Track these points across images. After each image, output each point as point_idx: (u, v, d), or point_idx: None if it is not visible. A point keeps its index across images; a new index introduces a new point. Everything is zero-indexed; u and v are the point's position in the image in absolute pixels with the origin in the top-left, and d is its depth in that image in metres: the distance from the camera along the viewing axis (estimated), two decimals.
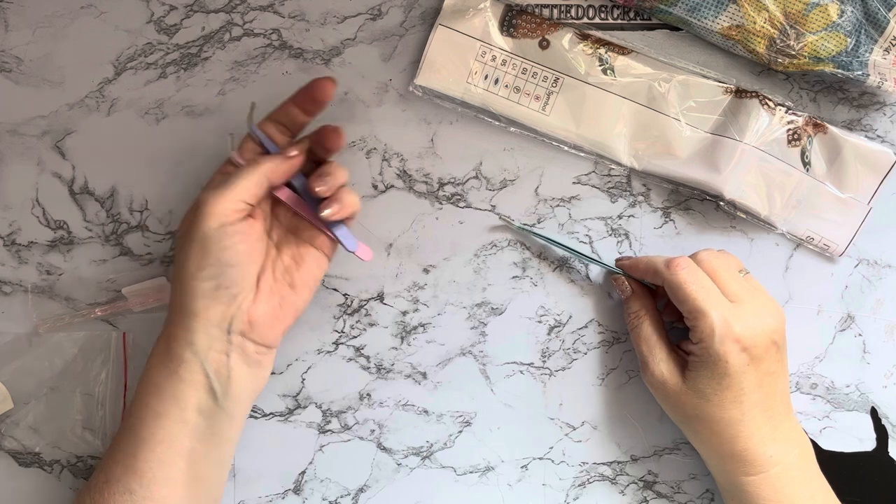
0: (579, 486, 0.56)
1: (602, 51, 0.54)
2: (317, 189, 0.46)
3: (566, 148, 0.55)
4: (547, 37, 0.54)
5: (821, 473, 0.50)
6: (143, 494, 0.44)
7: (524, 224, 0.55)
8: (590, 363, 0.56)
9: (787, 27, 0.52)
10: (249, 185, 0.45)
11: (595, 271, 0.56)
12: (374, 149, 0.56)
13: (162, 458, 0.44)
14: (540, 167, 0.56)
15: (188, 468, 0.45)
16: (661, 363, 0.50)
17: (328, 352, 0.56)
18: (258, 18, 0.55)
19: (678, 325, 0.52)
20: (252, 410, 0.55)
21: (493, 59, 0.54)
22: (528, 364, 0.56)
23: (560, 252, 0.55)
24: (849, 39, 0.52)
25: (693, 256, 0.50)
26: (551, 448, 0.56)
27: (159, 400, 0.45)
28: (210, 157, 0.55)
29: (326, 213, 0.46)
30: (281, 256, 0.48)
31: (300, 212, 0.49)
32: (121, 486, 0.44)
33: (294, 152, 0.47)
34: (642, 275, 0.52)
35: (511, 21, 0.54)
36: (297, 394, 0.56)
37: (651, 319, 0.52)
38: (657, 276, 0.50)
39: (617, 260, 0.55)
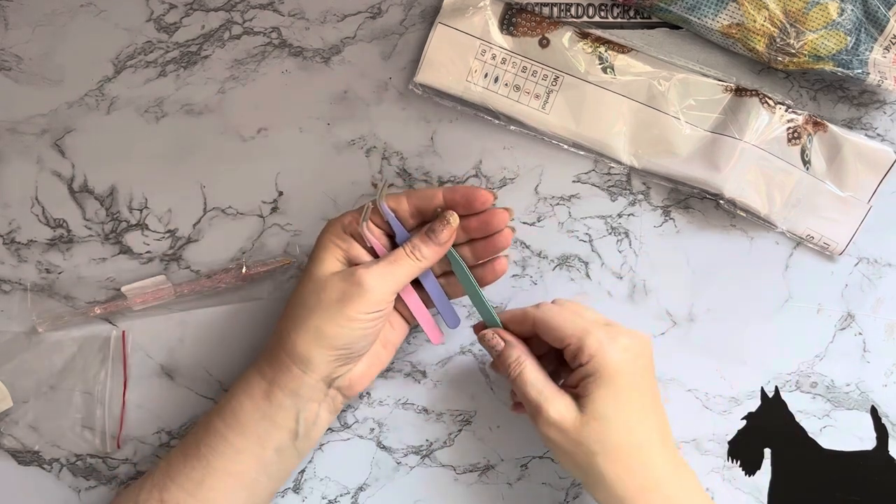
0: (578, 485, 0.56)
1: (602, 49, 0.54)
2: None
3: (566, 146, 0.55)
4: (547, 35, 0.54)
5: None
6: None
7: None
8: None
9: (787, 25, 0.52)
10: (407, 278, 0.47)
11: (595, 270, 0.56)
12: (374, 147, 0.56)
13: (229, 489, 0.46)
14: (540, 166, 0.56)
15: (246, 497, 0.47)
16: (555, 401, 0.45)
17: None
18: (258, 17, 0.55)
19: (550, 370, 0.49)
20: None
21: (493, 57, 0.54)
22: None
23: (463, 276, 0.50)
24: (849, 38, 0.52)
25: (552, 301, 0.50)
26: None
27: (242, 437, 0.46)
28: (210, 156, 0.55)
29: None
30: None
31: (405, 297, 0.50)
32: None
33: (447, 243, 0.48)
34: (515, 323, 0.49)
35: (511, 19, 0.54)
36: None
37: (532, 362, 0.48)
38: (525, 321, 0.48)
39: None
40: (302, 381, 0.46)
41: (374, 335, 0.47)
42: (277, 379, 0.46)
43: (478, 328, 0.51)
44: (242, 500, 0.47)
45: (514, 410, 0.52)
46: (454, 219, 0.47)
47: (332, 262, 0.47)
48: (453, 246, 0.49)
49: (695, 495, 0.46)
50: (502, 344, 0.49)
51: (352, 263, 0.47)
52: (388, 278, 0.46)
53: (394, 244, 0.49)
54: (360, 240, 0.47)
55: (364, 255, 0.47)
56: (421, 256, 0.47)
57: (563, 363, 0.49)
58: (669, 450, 0.46)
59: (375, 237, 0.48)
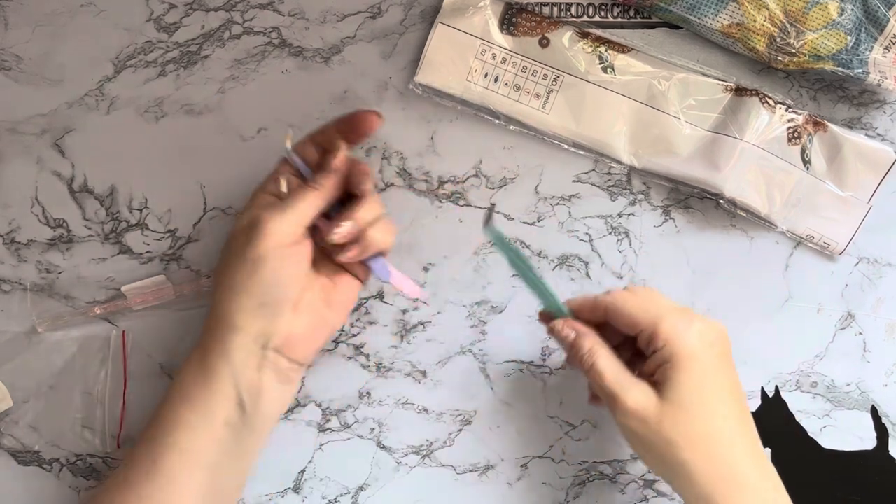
0: (579, 484, 0.56)
1: (602, 49, 0.54)
2: (333, 237, 0.45)
3: (566, 146, 0.55)
4: (547, 35, 0.54)
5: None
6: (161, 499, 0.44)
7: (498, 238, 0.48)
8: None
9: (788, 25, 0.52)
10: (310, 209, 0.45)
11: (595, 270, 0.56)
12: (374, 147, 0.56)
13: (184, 467, 0.44)
14: (540, 165, 0.56)
15: (208, 480, 0.45)
16: (633, 390, 0.44)
17: (328, 350, 0.56)
18: (258, 16, 0.55)
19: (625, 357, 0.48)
20: None
21: (493, 57, 0.54)
22: (528, 362, 0.56)
23: (526, 272, 0.49)
24: (849, 37, 0.52)
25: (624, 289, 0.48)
26: (551, 447, 0.56)
27: (190, 410, 0.45)
28: (210, 155, 0.55)
29: (340, 257, 0.46)
30: (319, 276, 0.47)
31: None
32: (140, 490, 0.44)
33: (339, 168, 0.46)
34: (585, 312, 0.48)
35: (511, 19, 0.54)
36: (297, 392, 0.55)
37: (607, 351, 0.46)
38: (597, 308, 0.47)
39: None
40: (230, 342, 0.44)
41: (290, 279, 0.44)
42: (207, 344, 0.45)
43: (543, 317, 0.49)
44: (203, 482, 0.45)
45: (592, 402, 0.50)
46: (341, 145, 0.46)
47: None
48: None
49: (777, 491, 0.45)
50: (573, 334, 0.47)
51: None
52: (286, 213, 0.44)
53: None
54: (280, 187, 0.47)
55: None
56: (317, 185, 0.45)
57: (637, 352, 0.47)
58: (751, 441, 0.45)
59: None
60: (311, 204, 0.45)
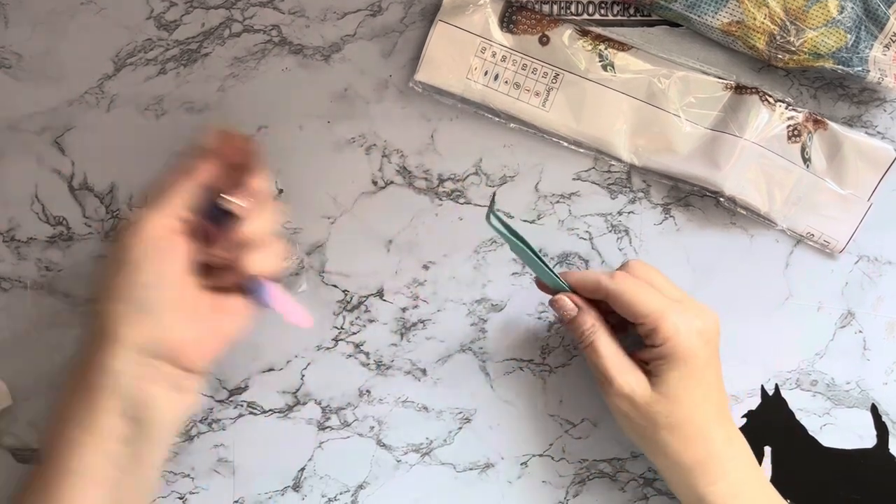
0: (579, 483, 0.56)
1: (602, 47, 0.54)
2: (212, 260, 0.42)
3: (566, 144, 0.55)
4: (547, 33, 0.54)
5: (766, 478, 0.50)
6: None
7: (499, 222, 0.48)
8: None
9: (788, 23, 0.52)
10: (180, 196, 0.42)
11: (595, 268, 0.56)
12: (374, 145, 0.56)
13: (78, 490, 0.41)
14: (540, 163, 0.56)
15: (108, 497, 0.42)
16: (626, 374, 0.47)
17: (327, 348, 0.56)
18: (258, 14, 0.55)
19: (622, 335, 0.49)
20: (251, 407, 0.55)
21: (493, 55, 0.54)
22: (528, 361, 0.56)
23: (529, 254, 0.48)
24: (849, 36, 0.52)
25: (624, 267, 0.49)
26: (551, 445, 0.56)
27: (76, 429, 0.41)
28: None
29: (206, 282, 0.43)
30: (205, 278, 0.44)
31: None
32: None
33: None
34: (586, 291, 0.49)
35: (511, 17, 0.54)
36: (297, 390, 0.55)
37: (606, 331, 0.48)
38: (598, 290, 0.48)
39: (562, 274, 0.50)
40: (108, 353, 0.40)
41: (166, 277, 0.41)
42: (86, 357, 0.41)
43: (540, 285, 0.50)
44: (101, 501, 0.41)
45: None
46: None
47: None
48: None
49: (747, 468, 0.48)
50: (576, 310, 0.48)
51: None
52: (154, 204, 0.41)
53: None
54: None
55: None
56: (186, 168, 0.42)
57: (632, 327, 0.49)
58: (726, 423, 0.48)
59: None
60: (181, 190, 0.42)
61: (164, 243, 0.41)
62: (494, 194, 0.46)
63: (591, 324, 0.48)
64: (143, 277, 0.41)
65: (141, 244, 0.41)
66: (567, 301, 0.49)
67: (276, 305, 0.44)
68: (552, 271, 0.49)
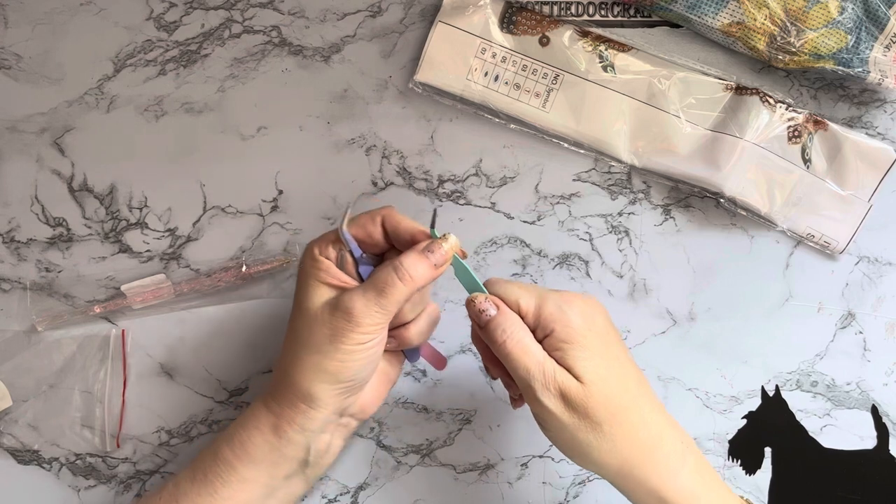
0: (579, 483, 0.56)
1: (602, 48, 0.54)
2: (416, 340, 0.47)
3: (566, 145, 0.55)
4: (547, 34, 0.54)
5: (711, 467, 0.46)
6: None
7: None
8: None
9: (788, 24, 0.52)
10: (399, 303, 0.43)
11: (595, 269, 0.56)
12: (374, 146, 0.56)
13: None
14: (540, 164, 0.56)
15: None
16: (558, 373, 0.42)
17: None
18: (258, 15, 0.55)
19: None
20: None
21: (494, 55, 0.54)
22: None
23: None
24: (849, 36, 0.52)
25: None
26: (551, 446, 0.56)
27: (252, 468, 0.45)
28: (210, 154, 0.55)
29: (392, 346, 0.47)
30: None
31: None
32: None
33: (443, 266, 0.44)
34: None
35: (511, 18, 0.54)
36: None
37: (528, 331, 0.43)
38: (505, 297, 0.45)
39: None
40: (310, 417, 0.44)
41: (376, 360, 0.45)
42: (285, 414, 0.45)
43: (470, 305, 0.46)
44: None
45: (516, 405, 0.48)
46: (454, 240, 0.44)
47: (317, 289, 0.44)
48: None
49: (690, 448, 0.44)
50: (495, 310, 0.43)
51: (337, 285, 0.44)
52: (378, 306, 0.43)
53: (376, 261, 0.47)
54: (338, 260, 0.45)
55: (342, 275, 0.45)
56: (412, 278, 0.43)
57: None
58: (657, 405, 0.45)
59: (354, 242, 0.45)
60: (400, 298, 0.43)
61: (379, 337, 0.44)
62: (435, 211, 0.46)
63: (511, 323, 0.43)
64: (359, 365, 0.44)
65: (365, 339, 0.43)
66: (483, 299, 0.44)
67: (423, 356, 0.50)
68: (469, 270, 0.46)
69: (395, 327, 0.47)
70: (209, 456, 0.46)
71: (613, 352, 0.44)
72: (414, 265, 0.43)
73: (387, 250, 0.47)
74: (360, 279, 0.45)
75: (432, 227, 0.44)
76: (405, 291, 0.43)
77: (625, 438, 0.43)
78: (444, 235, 0.44)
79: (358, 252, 0.45)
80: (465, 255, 0.46)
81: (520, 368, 0.42)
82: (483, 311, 0.43)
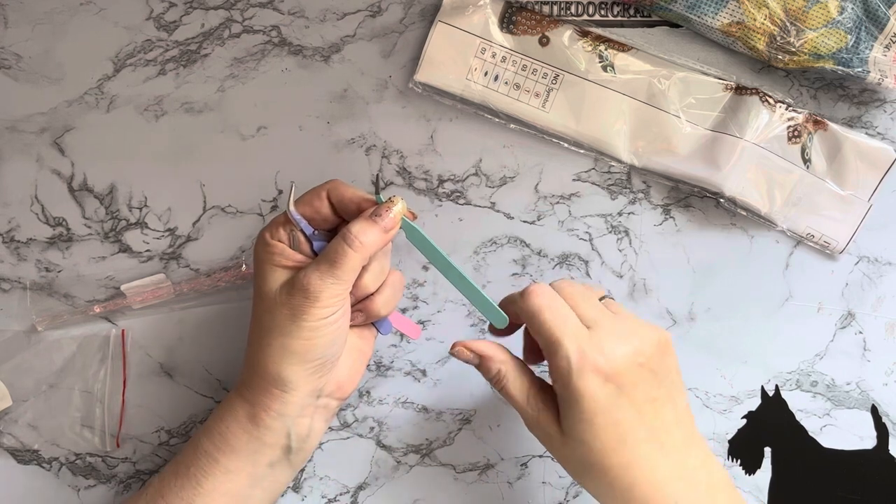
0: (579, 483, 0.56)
1: (602, 48, 0.54)
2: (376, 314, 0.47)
3: (566, 145, 0.55)
4: (547, 34, 0.54)
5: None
6: None
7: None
8: None
9: (788, 24, 0.52)
10: (355, 272, 0.44)
11: (595, 269, 0.56)
12: (374, 146, 0.56)
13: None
14: (540, 164, 0.56)
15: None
16: (539, 413, 0.43)
17: None
18: (258, 15, 0.55)
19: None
20: None
21: (493, 55, 0.54)
22: None
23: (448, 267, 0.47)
24: (849, 36, 0.52)
25: (551, 284, 0.45)
26: None
27: (234, 458, 0.45)
28: (209, 154, 0.55)
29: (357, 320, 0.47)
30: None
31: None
32: None
33: (393, 229, 0.44)
34: (510, 314, 0.46)
35: (511, 18, 0.54)
36: None
37: (515, 371, 0.44)
38: (513, 307, 0.45)
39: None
40: (285, 401, 0.44)
41: (343, 334, 0.45)
42: (259, 401, 0.44)
43: (494, 332, 0.47)
44: None
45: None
46: (401, 203, 0.44)
47: (273, 273, 0.44)
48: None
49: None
50: (477, 358, 0.45)
51: (293, 266, 0.44)
52: (333, 277, 0.42)
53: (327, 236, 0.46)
54: (290, 241, 0.45)
55: (297, 255, 0.45)
56: (362, 244, 0.43)
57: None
58: (668, 460, 0.42)
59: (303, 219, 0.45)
60: (355, 265, 0.43)
61: (341, 310, 0.44)
62: (378, 175, 0.46)
63: (497, 369, 0.44)
64: (326, 341, 0.44)
65: (327, 314, 0.43)
66: (464, 351, 0.45)
67: (395, 326, 0.50)
68: (484, 295, 0.46)
69: (361, 301, 0.46)
70: (190, 450, 0.46)
71: (612, 416, 0.41)
72: (363, 231, 0.43)
73: (338, 224, 0.46)
74: (316, 256, 0.45)
75: (377, 193, 0.45)
76: (358, 258, 0.43)
77: (606, 493, 0.42)
78: (391, 199, 0.45)
79: (309, 230, 0.45)
80: (414, 217, 0.46)
81: (513, 405, 0.45)
82: (465, 361, 0.46)
